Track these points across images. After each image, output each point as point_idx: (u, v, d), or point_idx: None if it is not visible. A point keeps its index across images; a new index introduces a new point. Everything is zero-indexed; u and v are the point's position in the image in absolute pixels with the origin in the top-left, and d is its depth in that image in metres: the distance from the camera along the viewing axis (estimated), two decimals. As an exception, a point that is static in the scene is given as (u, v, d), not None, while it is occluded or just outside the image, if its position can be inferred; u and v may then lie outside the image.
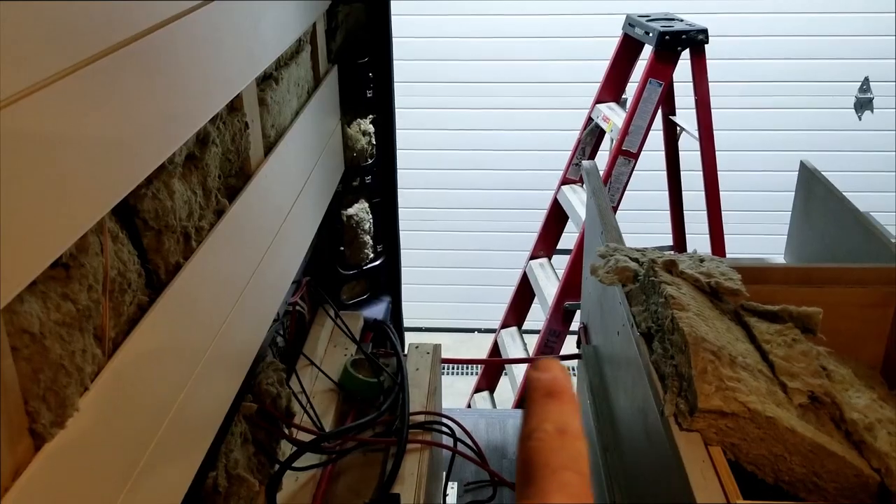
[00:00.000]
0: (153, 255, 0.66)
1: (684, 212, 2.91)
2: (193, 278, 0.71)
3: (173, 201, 0.69)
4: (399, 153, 1.59)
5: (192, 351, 0.72)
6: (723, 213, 2.70)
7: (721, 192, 2.68)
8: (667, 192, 2.93)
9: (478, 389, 3.07)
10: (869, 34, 3.78)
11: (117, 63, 0.53)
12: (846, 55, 3.85)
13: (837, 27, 3.81)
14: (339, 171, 1.43)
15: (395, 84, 1.51)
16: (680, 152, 2.85)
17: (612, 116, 2.67)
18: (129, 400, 0.59)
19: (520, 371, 2.77)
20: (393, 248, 1.66)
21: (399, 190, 1.61)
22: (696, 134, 2.60)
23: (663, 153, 2.86)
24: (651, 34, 2.50)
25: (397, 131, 1.55)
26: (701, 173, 2.66)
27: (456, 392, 3.37)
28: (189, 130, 0.70)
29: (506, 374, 3.03)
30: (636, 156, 2.56)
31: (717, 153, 2.63)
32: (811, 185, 1.43)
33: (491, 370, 3.08)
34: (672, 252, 1.12)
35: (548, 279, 2.86)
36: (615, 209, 2.54)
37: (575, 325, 2.32)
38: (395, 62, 1.49)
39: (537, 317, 2.89)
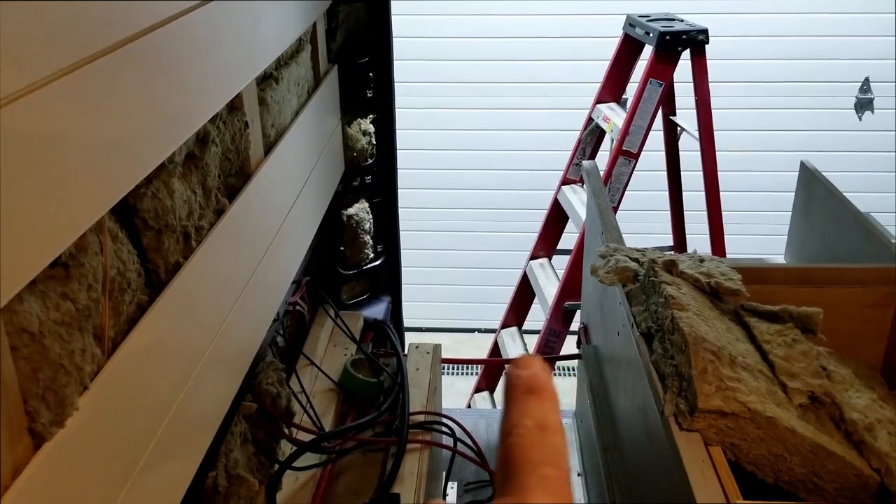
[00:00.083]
0: (153, 255, 0.66)
1: (684, 212, 2.91)
2: (193, 278, 0.71)
3: (173, 201, 0.69)
4: (399, 153, 1.59)
5: (191, 350, 0.72)
6: (723, 213, 2.70)
7: (721, 193, 2.68)
8: (667, 193, 2.93)
9: (478, 389, 3.07)
10: (869, 34, 3.78)
11: (117, 62, 0.53)
12: (846, 55, 3.85)
13: (838, 27, 3.81)
14: (340, 171, 1.43)
15: (396, 84, 1.51)
16: (680, 152, 2.85)
17: (613, 116, 2.67)
18: (129, 399, 0.59)
19: (520, 371, 2.77)
20: (393, 248, 1.66)
21: (399, 190, 1.61)
22: (697, 134, 2.60)
23: (664, 153, 2.86)
24: (651, 34, 2.50)
25: (397, 131, 1.55)
26: (701, 173, 2.66)
27: (456, 392, 3.37)
28: (189, 130, 0.70)
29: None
30: (636, 156, 2.56)
31: (717, 153, 2.63)
32: (811, 185, 1.43)
33: (491, 370, 3.08)
34: (672, 252, 1.12)
35: (548, 279, 2.86)
36: (615, 209, 2.54)
37: (575, 326, 2.32)
38: (395, 62, 1.49)
39: (537, 317, 2.89)
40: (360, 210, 1.53)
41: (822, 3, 3.78)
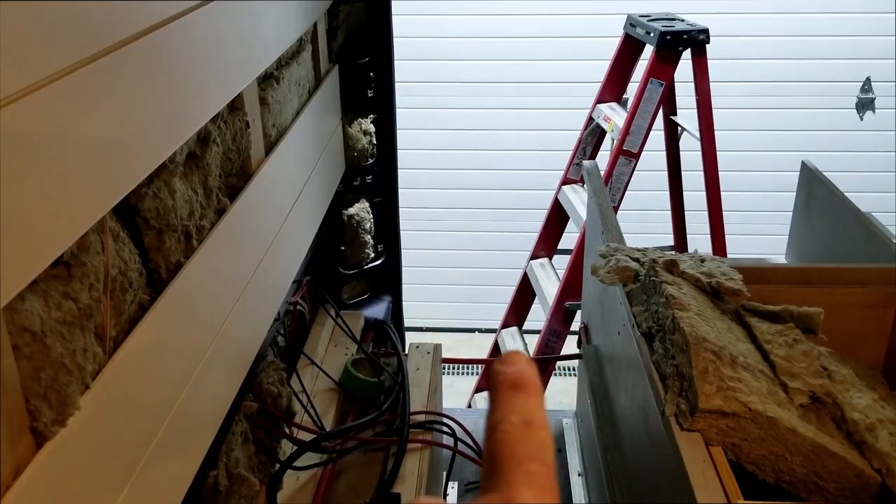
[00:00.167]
0: (154, 254, 0.66)
1: (685, 212, 2.91)
2: (194, 277, 0.71)
3: (174, 200, 0.69)
4: (400, 153, 1.59)
5: (192, 350, 0.72)
6: (724, 213, 2.70)
7: (722, 192, 2.68)
8: (668, 192, 2.92)
9: (478, 389, 3.07)
10: (870, 34, 3.78)
11: (118, 62, 0.53)
12: (848, 55, 3.85)
13: (839, 27, 3.80)
14: (340, 171, 1.43)
15: (396, 84, 1.51)
16: (681, 152, 2.84)
17: (614, 116, 2.67)
18: (130, 399, 0.59)
19: (520, 371, 2.77)
20: (393, 248, 1.66)
21: (400, 189, 1.61)
22: (698, 134, 2.60)
23: (664, 153, 2.86)
24: (652, 34, 2.50)
25: (398, 131, 1.55)
26: (702, 173, 2.65)
27: (456, 392, 3.37)
28: (190, 130, 0.70)
29: (506, 373, 3.03)
30: (637, 156, 2.56)
31: (718, 153, 2.63)
32: (812, 185, 1.43)
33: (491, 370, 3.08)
34: (673, 252, 1.12)
35: (548, 279, 2.85)
36: (616, 209, 2.54)
37: (575, 326, 2.32)
38: (395, 62, 1.49)
39: (538, 317, 2.89)
40: (361, 210, 1.53)
41: (822, 3, 3.77)
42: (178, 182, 0.70)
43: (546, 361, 2.64)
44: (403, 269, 1.71)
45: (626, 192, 2.63)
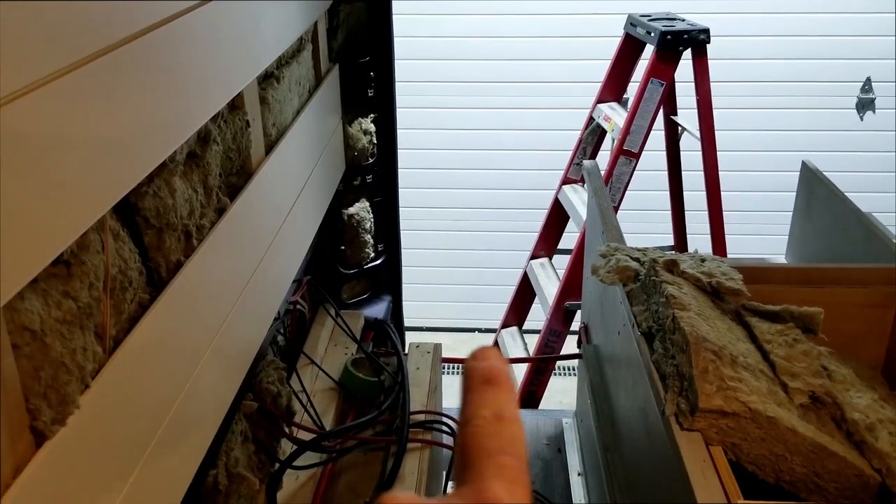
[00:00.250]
0: (154, 254, 0.66)
1: (685, 212, 2.91)
2: (194, 276, 0.71)
3: (174, 199, 0.69)
4: (400, 152, 1.58)
5: (192, 349, 0.72)
6: (724, 213, 2.70)
7: (722, 192, 2.68)
8: (668, 192, 2.92)
9: (478, 389, 3.06)
10: (870, 34, 3.78)
11: (118, 61, 0.53)
12: (848, 55, 3.85)
13: (839, 27, 3.80)
14: (340, 170, 1.43)
15: (397, 83, 1.51)
16: (681, 152, 2.84)
17: (614, 116, 2.67)
18: (130, 398, 0.59)
19: (520, 371, 2.77)
20: (394, 248, 1.66)
21: (400, 189, 1.61)
22: (698, 134, 2.60)
23: (665, 153, 2.86)
24: (653, 34, 2.50)
25: (398, 130, 1.55)
26: (702, 173, 2.65)
27: (456, 391, 3.33)
28: (190, 129, 0.70)
29: (506, 373, 3.03)
30: (637, 156, 2.56)
31: (718, 153, 2.63)
32: (813, 185, 1.43)
33: (491, 370, 3.08)
34: (673, 252, 1.12)
35: (548, 279, 2.85)
36: (616, 209, 2.54)
37: (575, 325, 2.32)
38: (396, 61, 1.48)
39: (538, 317, 2.89)
40: (361, 209, 1.53)
41: (822, 3, 3.77)
42: (178, 181, 0.70)
43: (546, 361, 2.63)
44: (403, 268, 1.71)
45: (627, 192, 2.63)
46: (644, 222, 3.52)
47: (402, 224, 1.66)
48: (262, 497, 0.98)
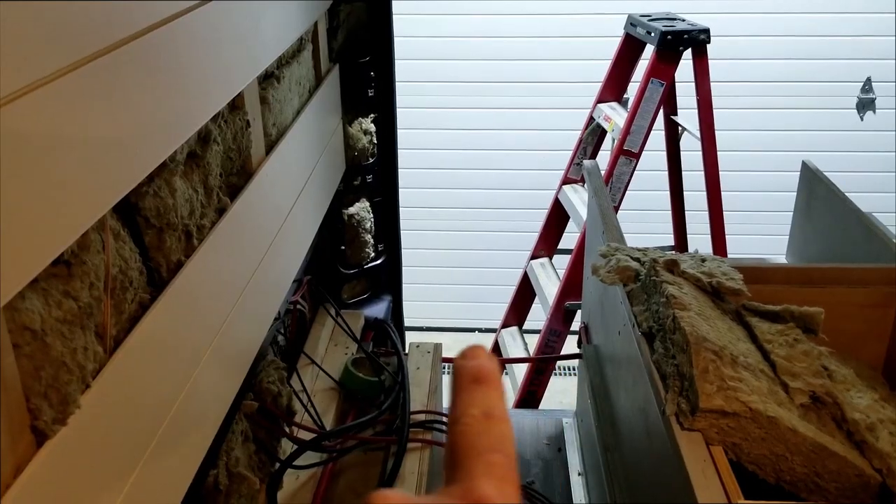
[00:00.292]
0: (155, 253, 0.66)
1: (686, 212, 2.91)
2: (195, 276, 0.71)
3: (175, 199, 0.69)
4: (400, 152, 1.58)
5: (193, 349, 0.72)
6: (724, 213, 2.70)
7: (722, 192, 2.68)
8: (668, 192, 2.92)
9: (478, 389, 3.06)
10: (870, 34, 3.78)
11: (118, 61, 0.53)
12: (848, 55, 3.85)
13: (839, 27, 3.80)
14: (341, 170, 1.43)
15: (397, 83, 1.51)
16: (681, 152, 2.84)
17: (614, 116, 2.67)
18: (131, 397, 0.59)
19: (520, 371, 2.77)
20: (394, 248, 1.66)
21: (400, 189, 1.61)
22: (698, 134, 2.60)
23: (665, 153, 2.86)
24: (653, 34, 2.50)
25: (398, 130, 1.55)
26: (702, 173, 2.65)
27: (456, 391, 3.36)
28: (190, 129, 0.70)
29: (506, 373, 3.03)
30: (638, 155, 2.56)
31: (718, 153, 2.63)
32: (813, 185, 1.43)
33: (491, 370, 3.08)
34: (673, 252, 1.12)
35: (549, 279, 2.85)
36: (616, 209, 2.54)
37: (576, 325, 2.32)
38: (396, 61, 1.48)
39: (538, 316, 2.89)
40: (361, 209, 1.53)
41: (822, 3, 3.77)
42: (178, 181, 0.70)
43: (546, 361, 2.63)
44: (403, 268, 1.71)
45: (627, 192, 2.63)
46: (644, 222, 3.52)
47: (402, 224, 1.66)
48: (263, 497, 0.98)
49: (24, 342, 0.46)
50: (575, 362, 1.44)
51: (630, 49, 2.73)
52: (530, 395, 2.63)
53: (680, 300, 0.84)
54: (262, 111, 0.97)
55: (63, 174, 0.47)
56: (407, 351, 1.42)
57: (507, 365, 3.01)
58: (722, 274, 0.93)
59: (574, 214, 2.73)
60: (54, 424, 0.48)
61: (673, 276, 0.91)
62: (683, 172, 2.87)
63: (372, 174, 1.52)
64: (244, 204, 0.86)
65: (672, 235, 2.96)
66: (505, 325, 3.03)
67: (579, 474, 1.41)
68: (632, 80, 2.81)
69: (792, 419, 0.73)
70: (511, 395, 2.80)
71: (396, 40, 1.47)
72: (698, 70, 2.53)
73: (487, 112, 4.05)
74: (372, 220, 1.56)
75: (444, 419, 1.24)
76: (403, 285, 1.73)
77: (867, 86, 3.91)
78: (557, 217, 2.93)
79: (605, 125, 2.71)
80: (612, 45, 2.79)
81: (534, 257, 2.98)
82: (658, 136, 2.73)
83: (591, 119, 2.82)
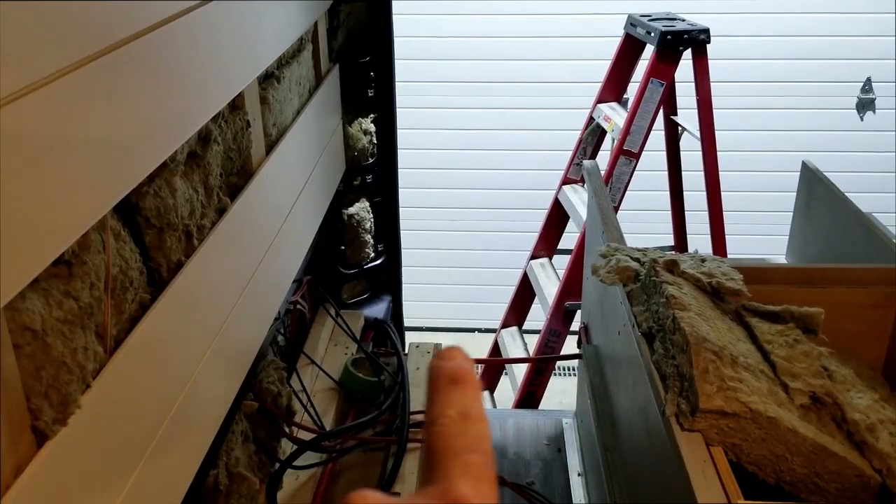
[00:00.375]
0: (155, 253, 0.66)
1: (685, 212, 2.91)
2: (195, 276, 0.71)
3: (175, 199, 0.69)
4: (400, 153, 1.58)
5: (193, 349, 0.72)
6: (724, 213, 2.70)
7: (722, 192, 2.68)
8: (668, 192, 2.92)
9: (478, 389, 3.06)
10: (870, 34, 3.78)
11: (118, 61, 0.53)
12: (848, 55, 3.85)
13: (840, 27, 3.80)
14: (341, 170, 1.43)
15: (397, 83, 1.51)
16: (681, 152, 2.84)
17: (614, 116, 2.67)
18: (131, 398, 0.59)
19: (520, 371, 2.77)
20: (394, 248, 1.66)
21: (400, 189, 1.61)
22: (698, 134, 2.60)
23: (665, 153, 2.86)
24: (653, 34, 2.50)
25: (398, 131, 1.55)
26: (702, 173, 2.65)
27: (456, 391, 3.36)
28: (191, 129, 0.70)
29: (506, 373, 3.03)
30: (637, 156, 2.56)
31: (718, 153, 2.63)
32: (813, 185, 1.43)
33: (491, 370, 3.08)
34: (673, 252, 1.12)
35: (548, 279, 2.85)
36: (616, 209, 2.54)
37: (575, 325, 2.32)
38: (396, 61, 1.48)
39: (538, 317, 2.89)
40: (361, 209, 1.53)
41: (823, 3, 3.77)
42: (178, 181, 0.70)
43: (546, 361, 2.63)
44: (403, 268, 1.71)
45: (627, 192, 2.63)
46: (644, 222, 3.52)
47: (402, 224, 1.66)
48: (263, 497, 0.98)
49: (25, 342, 0.46)
50: (575, 362, 1.44)
51: (630, 49, 2.73)
52: (530, 396, 2.64)
53: (680, 300, 0.84)
54: (263, 111, 0.97)
55: (63, 174, 0.47)
56: (406, 351, 1.42)
57: (506, 365, 3.02)
58: (722, 274, 0.93)
59: (574, 214, 2.73)
60: (55, 424, 0.48)
61: (673, 277, 0.90)
62: (683, 172, 2.87)
63: (372, 174, 1.52)
64: (244, 204, 0.86)
65: (672, 235, 2.96)
66: (505, 325, 3.03)
67: (579, 475, 1.41)
68: (632, 80, 2.81)
69: (792, 420, 0.73)
70: (511, 396, 2.80)
71: (396, 40, 1.47)
72: (698, 70, 2.53)
73: (487, 112, 4.05)
74: (372, 220, 1.56)
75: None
76: (403, 285, 1.73)
77: (867, 86, 3.91)
78: (557, 217, 2.93)
79: (605, 125, 2.71)
80: (612, 45, 2.79)
81: (534, 257, 2.98)
82: (658, 137, 2.73)
83: (591, 119, 2.82)
